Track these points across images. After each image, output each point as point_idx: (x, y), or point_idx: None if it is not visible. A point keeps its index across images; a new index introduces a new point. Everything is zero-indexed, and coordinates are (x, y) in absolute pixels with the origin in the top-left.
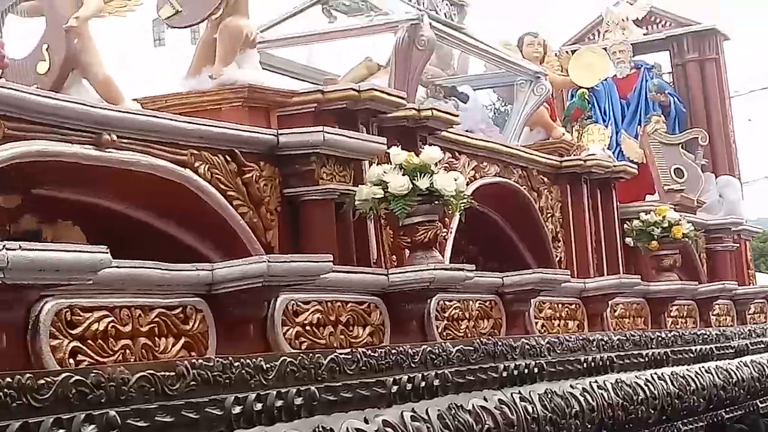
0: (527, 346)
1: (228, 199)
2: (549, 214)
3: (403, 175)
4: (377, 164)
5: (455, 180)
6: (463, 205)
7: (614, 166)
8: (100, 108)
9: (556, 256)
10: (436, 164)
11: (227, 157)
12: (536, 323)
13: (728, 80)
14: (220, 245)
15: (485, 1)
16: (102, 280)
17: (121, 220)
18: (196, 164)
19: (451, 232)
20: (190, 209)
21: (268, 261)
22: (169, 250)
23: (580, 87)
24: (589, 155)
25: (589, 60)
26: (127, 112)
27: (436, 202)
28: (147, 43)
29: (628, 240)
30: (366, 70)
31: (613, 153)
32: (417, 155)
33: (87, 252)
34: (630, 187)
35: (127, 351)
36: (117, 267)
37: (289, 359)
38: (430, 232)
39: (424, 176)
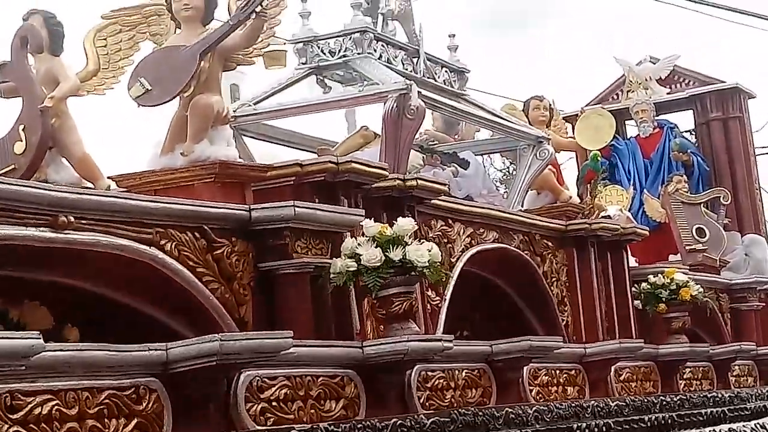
0: (512, 416)
1: (197, 275)
2: (554, 279)
3: (376, 247)
4: (356, 237)
5: (429, 251)
6: (441, 276)
7: (623, 228)
8: (56, 190)
9: (563, 320)
10: (410, 235)
11: (196, 233)
12: (531, 390)
13: (753, 138)
14: (192, 322)
15: (501, 59)
16: (45, 363)
17: (90, 299)
18: (162, 242)
19: (445, 300)
20: (159, 287)
21: (220, 340)
22: (142, 327)
23: (586, 150)
24: (601, 218)
25: (596, 122)
26: (85, 194)
27: (411, 274)
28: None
29: (637, 303)
30: (362, 138)
31: (636, 213)
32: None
33: (18, 339)
34: (653, 248)
35: None
36: (60, 351)
37: None
38: (404, 304)
39: (396, 248)
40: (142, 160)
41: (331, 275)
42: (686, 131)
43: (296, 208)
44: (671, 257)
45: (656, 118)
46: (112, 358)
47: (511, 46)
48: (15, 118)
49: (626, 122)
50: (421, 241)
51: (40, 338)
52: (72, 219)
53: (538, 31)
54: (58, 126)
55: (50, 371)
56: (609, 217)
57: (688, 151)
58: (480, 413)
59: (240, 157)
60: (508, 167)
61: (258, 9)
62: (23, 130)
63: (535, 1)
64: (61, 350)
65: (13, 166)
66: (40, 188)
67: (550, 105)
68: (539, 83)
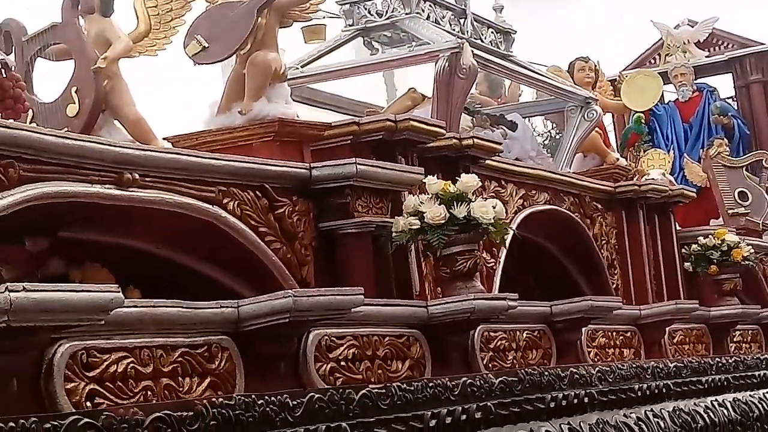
0: (576, 376)
1: (259, 235)
2: (604, 242)
3: (440, 204)
4: (415, 195)
5: (494, 207)
6: (505, 233)
7: (671, 190)
8: (121, 147)
9: (613, 283)
10: (474, 193)
11: (257, 192)
12: (589, 352)
13: None
14: (253, 282)
15: (538, 27)
16: (119, 320)
17: (152, 260)
18: (225, 201)
19: (499, 262)
20: (221, 247)
21: (294, 296)
22: (203, 288)
23: (635, 111)
24: (645, 180)
25: (642, 84)
26: (150, 150)
27: (475, 231)
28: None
29: (687, 265)
30: (410, 101)
31: (677, 177)
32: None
33: (97, 291)
34: (694, 212)
35: (149, 392)
36: (134, 306)
37: (317, 395)
38: (469, 262)
39: (461, 205)
40: (195, 122)
41: (394, 234)
42: (728, 98)
43: (358, 165)
44: (712, 221)
45: (695, 81)
46: (185, 314)
47: (546, 12)
48: (67, 80)
49: (664, 86)
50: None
51: (119, 291)
52: (137, 176)
53: None
54: (110, 88)
55: (125, 328)
56: (653, 180)
57: (729, 114)
58: (545, 373)
59: None
60: (549, 131)
61: None
62: (76, 92)
63: None
64: (135, 306)
65: (66, 129)
66: (104, 144)
67: (595, 66)
68: (576, 48)
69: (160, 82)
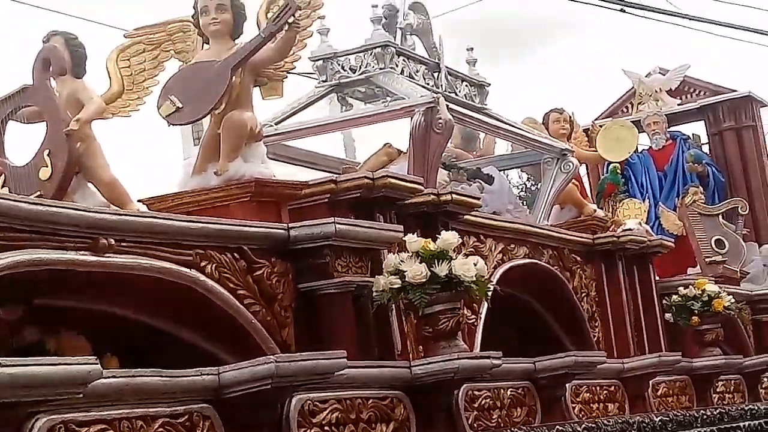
0: None
1: (238, 298)
2: (584, 294)
3: (421, 262)
4: (395, 253)
5: (475, 264)
6: (487, 291)
7: (649, 240)
8: (95, 212)
9: (594, 336)
10: (454, 250)
11: (235, 254)
12: (573, 408)
13: (767, 146)
14: (233, 346)
15: (508, 80)
16: (97, 392)
17: (129, 326)
18: (203, 264)
19: (480, 318)
20: (200, 311)
21: (276, 361)
22: (182, 354)
23: (610, 162)
24: (624, 231)
25: (618, 134)
26: (125, 215)
27: (457, 289)
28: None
29: (668, 316)
30: (386, 156)
31: (652, 226)
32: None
33: (74, 364)
34: (671, 261)
35: None
36: (113, 377)
37: None
38: (452, 321)
39: (442, 263)
40: (171, 182)
41: (374, 293)
42: (703, 144)
43: (337, 225)
44: (690, 270)
45: (668, 129)
46: (165, 384)
47: (516, 65)
48: (39, 144)
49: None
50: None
51: (97, 363)
52: (112, 241)
53: (545, 49)
54: (83, 150)
55: (103, 399)
56: (630, 230)
57: (703, 161)
58: None
59: None
60: (525, 183)
61: (290, 20)
62: (48, 155)
63: (537, 21)
64: (114, 377)
65: (39, 193)
66: (79, 209)
67: (570, 117)
68: (548, 99)
69: (133, 143)
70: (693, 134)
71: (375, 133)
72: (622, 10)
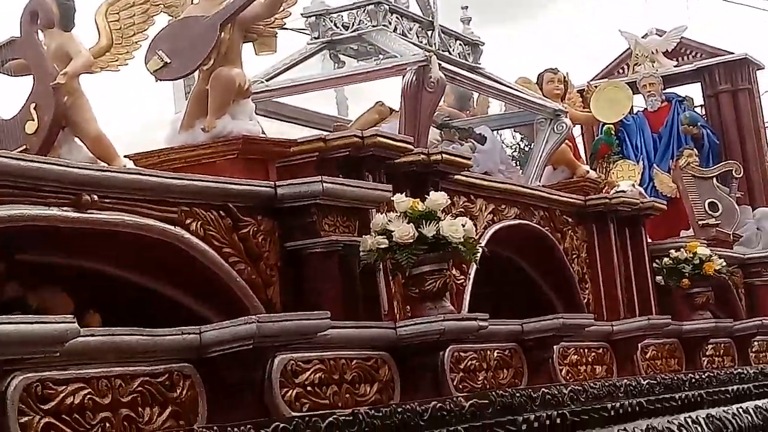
0: (548, 396)
1: (223, 256)
2: (574, 255)
3: (408, 223)
4: (383, 213)
5: (463, 225)
6: (475, 252)
7: (642, 202)
8: (79, 168)
9: (584, 297)
10: (443, 210)
11: (221, 212)
12: (561, 370)
13: (763, 110)
14: (218, 304)
15: (505, 39)
16: (75, 350)
17: (113, 283)
18: (188, 221)
19: (469, 279)
20: (184, 268)
21: (258, 321)
22: (167, 311)
23: (604, 123)
24: (616, 193)
25: (611, 95)
26: (109, 171)
27: (445, 250)
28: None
29: (659, 279)
30: (377, 114)
31: (646, 188)
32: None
33: (52, 323)
34: (664, 223)
35: (107, 424)
36: (91, 336)
37: (282, 425)
38: (439, 282)
39: (429, 223)
40: (159, 138)
41: (361, 253)
42: (697, 106)
43: (324, 184)
44: (683, 233)
45: (664, 91)
46: (145, 342)
47: (514, 23)
48: (26, 97)
49: (633, 96)
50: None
51: (74, 322)
52: (95, 198)
53: (544, 9)
54: (70, 104)
55: (82, 357)
56: (623, 192)
57: (698, 124)
58: (517, 395)
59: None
60: (518, 143)
61: None
62: (35, 108)
63: None
64: (92, 335)
65: (25, 147)
66: (62, 165)
67: (564, 78)
68: (545, 59)
69: (122, 97)
70: (686, 96)
71: (370, 90)
72: None
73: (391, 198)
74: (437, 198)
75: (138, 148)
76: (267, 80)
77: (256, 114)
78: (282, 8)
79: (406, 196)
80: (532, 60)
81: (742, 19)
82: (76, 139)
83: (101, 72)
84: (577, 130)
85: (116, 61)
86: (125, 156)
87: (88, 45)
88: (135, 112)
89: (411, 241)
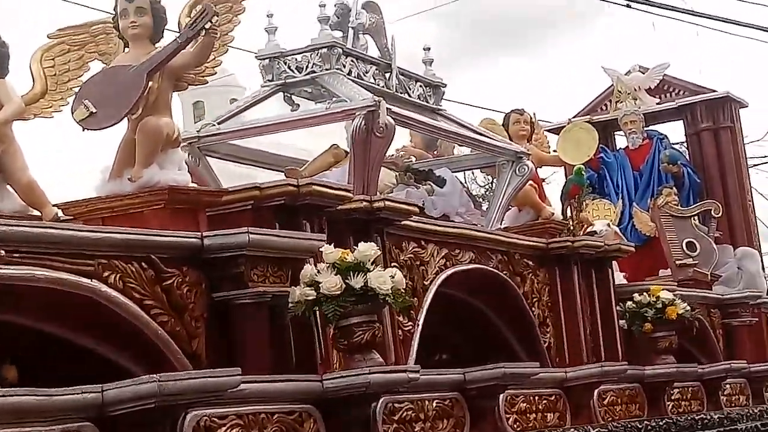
0: None
1: (145, 308)
2: (535, 299)
3: (336, 274)
4: (317, 262)
5: (392, 277)
6: (406, 304)
7: (607, 245)
8: None
9: (545, 341)
10: (372, 261)
11: (143, 264)
12: (508, 419)
13: (745, 149)
14: (143, 358)
15: (488, 74)
16: None
17: (31, 335)
18: (105, 274)
19: (418, 325)
20: (106, 322)
21: (159, 380)
22: (89, 364)
23: (569, 164)
24: (586, 234)
25: (577, 136)
26: (18, 226)
27: (374, 302)
28: None
29: (622, 322)
30: (332, 158)
31: (626, 227)
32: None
33: None
34: (643, 262)
35: None
36: None
37: None
38: (367, 334)
39: (358, 275)
40: (88, 187)
41: (290, 305)
42: (677, 143)
43: (251, 235)
44: (662, 272)
45: (646, 128)
46: (41, 403)
47: (500, 58)
48: None
49: (615, 133)
50: (392, 264)
51: None
52: (2, 252)
53: (527, 42)
54: (1, 151)
55: None
56: (595, 232)
57: (679, 162)
58: None
59: (193, 182)
60: (490, 183)
61: (207, 26)
62: None
63: (520, 17)
64: None
65: None
66: None
67: (531, 119)
68: (527, 94)
69: (56, 144)
70: (664, 136)
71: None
72: (627, 5)
73: (320, 249)
74: (366, 249)
75: (69, 195)
76: (218, 123)
77: (211, 157)
78: (212, 57)
79: (350, 244)
80: (515, 95)
81: (726, 56)
82: (8, 187)
83: (35, 118)
84: (551, 170)
85: (50, 107)
86: (54, 205)
87: (23, 91)
88: (71, 159)
89: (338, 292)
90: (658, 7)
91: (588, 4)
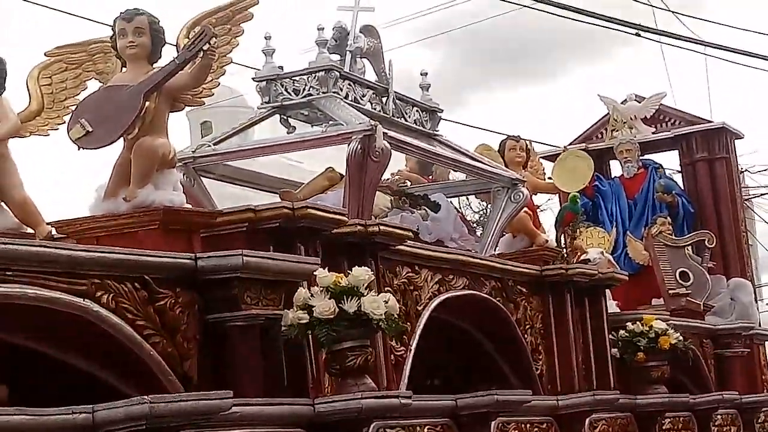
0: None
1: (137, 329)
2: (528, 326)
3: (330, 298)
4: (311, 286)
5: (386, 302)
6: (399, 329)
7: (601, 273)
8: None
9: (537, 368)
10: (366, 286)
11: (136, 284)
12: None
13: (740, 179)
14: (135, 379)
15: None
16: None
17: (22, 354)
18: (98, 294)
19: (410, 350)
20: (98, 342)
21: (150, 402)
22: (81, 384)
23: (566, 192)
24: (580, 261)
25: (573, 164)
26: (10, 244)
27: (367, 327)
28: None
29: (614, 351)
30: (327, 181)
31: (620, 255)
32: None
33: None
34: (636, 291)
35: None
36: None
37: None
38: (360, 358)
39: (351, 299)
40: (85, 205)
41: (283, 328)
42: (675, 172)
43: (245, 258)
44: (654, 301)
45: (641, 158)
46: (32, 422)
47: (500, 84)
48: None
49: (610, 162)
50: (385, 289)
51: None
52: None
53: (527, 70)
54: None
55: None
56: (589, 260)
57: (673, 192)
58: None
59: (189, 202)
60: (485, 209)
61: (206, 47)
62: None
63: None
64: None
65: None
66: None
67: (526, 145)
68: (523, 120)
69: (52, 162)
70: (659, 165)
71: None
72: (637, 34)
73: (315, 273)
74: (360, 274)
75: (64, 214)
76: (214, 144)
77: (207, 177)
78: (210, 79)
79: (344, 268)
80: (512, 121)
81: (734, 86)
82: (2, 204)
83: (30, 136)
84: (546, 197)
85: (46, 125)
86: (48, 224)
87: (19, 109)
88: (68, 178)
89: (331, 317)
90: (666, 35)
91: (596, 32)
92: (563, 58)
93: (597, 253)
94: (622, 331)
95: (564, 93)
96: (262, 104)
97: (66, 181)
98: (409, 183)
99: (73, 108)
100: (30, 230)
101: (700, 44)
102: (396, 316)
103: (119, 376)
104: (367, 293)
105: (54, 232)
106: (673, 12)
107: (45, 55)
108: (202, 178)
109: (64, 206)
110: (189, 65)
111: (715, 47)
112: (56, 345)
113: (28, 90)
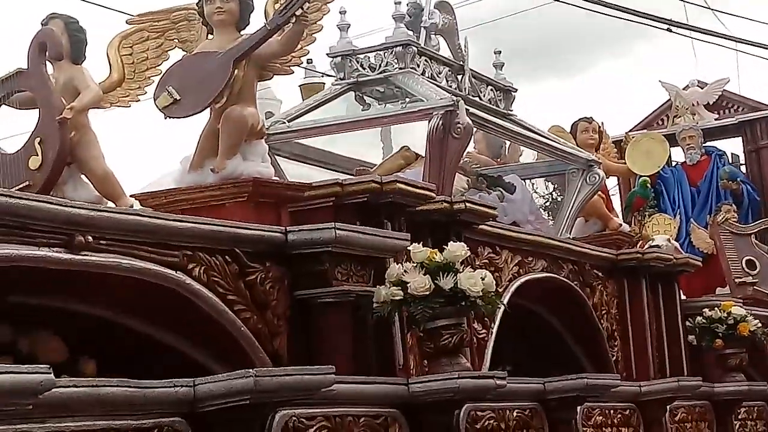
0: None
1: (228, 303)
2: (604, 311)
3: (425, 274)
4: (400, 263)
5: (483, 279)
6: (495, 307)
7: (676, 259)
8: (74, 207)
9: (613, 355)
10: (463, 262)
11: (227, 257)
12: (584, 431)
13: None
14: (221, 355)
15: (545, 87)
16: (54, 401)
17: (111, 329)
18: (190, 266)
19: (492, 333)
20: (186, 316)
21: (255, 375)
22: (166, 359)
23: (640, 175)
24: (651, 247)
25: (647, 147)
26: (105, 211)
27: (463, 304)
28: None
29: (691, 338)
30: (402, 160)
31: (683, 243)
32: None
33: (24, 374)
34: (699, 280)
35: None
36: (73, 387)
37: None
38: (455, 337)
39: (447, 275)
40: (168, 178)
41: (374, 305)
42: (735, 163)
43: (337, 231)
44: (718, 290)
45: (704, 144)
46: (133, 395)
47: (556, 72)
48: (31, 131)
49: (672, 149)
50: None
51: (50, 373)
52: (90, 239)
53: (584, 57)
54: (77, 140)
55: (62, 411)
56: (657, 246)
57: (738, 179)
58: None
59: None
60: (551, 193)
61: (298, 12)
62: (39, 143)
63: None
64: (74, 386)
65: (27, 183)
66: (54, 203)
67: (599, 127)
68: (584, 107)
69: (133, 134)
70: (732, 153)
71: (402, 133)
72: (668, 29)
73: (408, 248)
74: (456, 249)
75: (145, 186)
76: (289, 121)
77: (278, 156)
78: (299, 47)
79: (427, 246)
80: (572, 107)
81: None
82: (82, 177)
83: (111, 107)
84: (613, 182)
85: (127, 96)
86: (131, 196)
87: (100, 79)
88: (145, 149)
89: (427, 293)
90: (697, 31)
91: (627, 26)
92: (587, 53)
93: (664, 240)
94: (699, 318)
95: (588, 88)
96: (336, 81)
97: (147, 154)
98: (479, 165)
99: (156, 78)
100: (110, 204)
101: (731, 40)
102: (493, 293)
103: (207, 354)
104: (463, 269)
105: (137, 205)
106: (711, 9)
107: (126, 23)
108: (275, 156)
109: (144, 180)
110: (279, 32)
111: (746, 43)
112: (143, 319)
113: (109, 60)
